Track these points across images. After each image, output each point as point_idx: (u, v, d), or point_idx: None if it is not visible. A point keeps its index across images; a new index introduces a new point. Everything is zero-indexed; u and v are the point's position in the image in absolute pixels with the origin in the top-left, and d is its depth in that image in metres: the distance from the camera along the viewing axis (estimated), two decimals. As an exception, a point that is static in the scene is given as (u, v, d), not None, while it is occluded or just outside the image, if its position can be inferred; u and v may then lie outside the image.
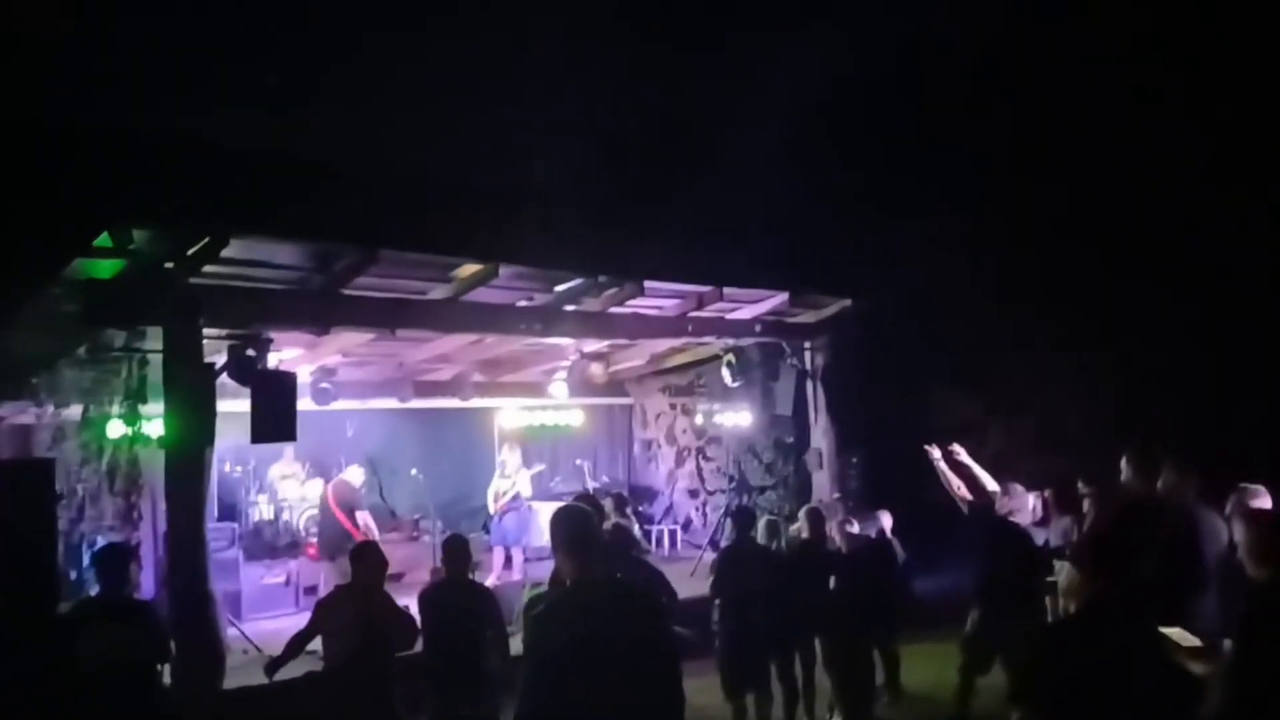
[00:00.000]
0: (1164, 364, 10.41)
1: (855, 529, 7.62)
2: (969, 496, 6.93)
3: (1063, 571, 3.46)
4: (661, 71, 12.21)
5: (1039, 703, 2.46)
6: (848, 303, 10.96)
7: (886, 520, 8.45)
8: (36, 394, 8.59)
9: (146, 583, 8.62)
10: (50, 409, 8.54)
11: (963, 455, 7.05)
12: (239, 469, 12.17)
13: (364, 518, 10.09)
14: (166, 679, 5.46)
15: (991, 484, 6.85)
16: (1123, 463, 5.63)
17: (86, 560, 7.96)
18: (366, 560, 5.54)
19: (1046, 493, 7.14)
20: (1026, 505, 6.67)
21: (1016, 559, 6.45)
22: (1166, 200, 10.62)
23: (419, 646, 5.64)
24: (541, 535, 11.27)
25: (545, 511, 11.61)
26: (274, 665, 5.49)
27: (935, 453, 7.12)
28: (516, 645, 5.34)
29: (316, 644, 7.51)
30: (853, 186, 11.37)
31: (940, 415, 11.24)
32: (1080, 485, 6.84)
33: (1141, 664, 2.55)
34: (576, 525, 3.39)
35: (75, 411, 8.41)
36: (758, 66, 11.91)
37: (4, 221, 7.00)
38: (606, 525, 6.18)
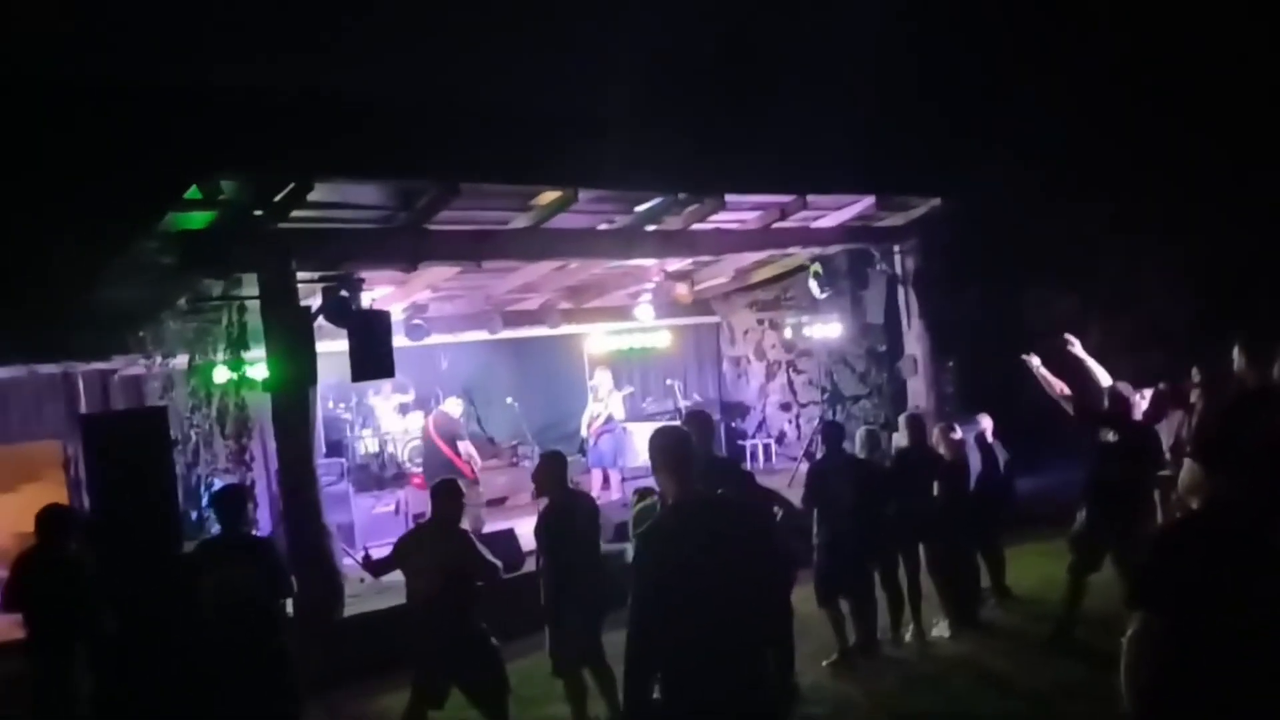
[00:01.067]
0: (1267, 253, 9.87)
1: (958, 434, 7.49)
2: (1072, 395, 6.74)
3: (1184, 469, 3.33)
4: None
5: (1159, 604, 2.38)
6: (937, 202, 10.61)
7: (987, 423, 8.30)
8: (144, 346, 8.95)
9: (263, 520, 8.99)
10: (158, 360, 8.89)
11: (1077, 348, 6.81)
12: (342, 406, 12.52)
13: (465, 447, 10.32)
14: (289, 612, 5.63)
15: (1105, 378, 6.65)
16: (1234, 352, 5.40)
17: (205, 502, 8.34)
18: (443, 497, 5.43)
19: (1160, 386, 6.88)
20: (1134, 401, 6.47)
21: (1125, 455, 6.27)
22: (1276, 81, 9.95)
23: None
24: (637, 456, 11.40)
25: (639, 432, 11.73)
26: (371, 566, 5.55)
27: (1034, 360, 6.92)
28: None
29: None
30: (936, 82, 10.92)
31: (1036, 314, 10.90)
32: (1194, 375, 6.57)
33: (1266, 563, 2.44)
34: (675, 445, 3.39)
35: (182, 361, 8.73)
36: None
37: (100, 179, 7.24)
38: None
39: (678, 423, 3.91)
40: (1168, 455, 6.55)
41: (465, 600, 5.26)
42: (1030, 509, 8.99)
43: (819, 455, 7.07)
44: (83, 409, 9.43)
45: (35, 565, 5.43)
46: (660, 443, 3.41)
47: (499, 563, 5.48)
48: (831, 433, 7.01)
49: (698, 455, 3.51)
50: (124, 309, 8.87)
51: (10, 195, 7.98)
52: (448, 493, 5.44)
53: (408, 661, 5.38)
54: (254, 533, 5.06)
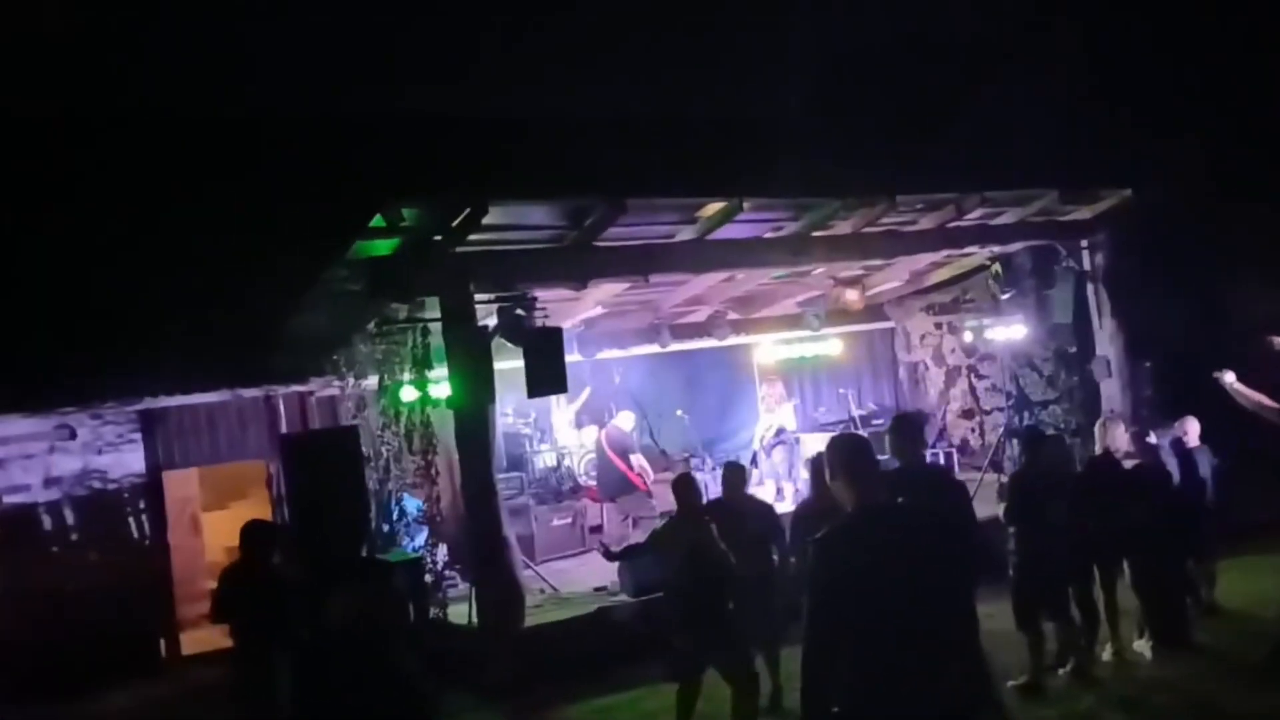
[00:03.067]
0: None
1: (1153, 439, 6.99)
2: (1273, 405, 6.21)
3: None
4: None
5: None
6: (1128, 193, 9.97)
7: (1193, 428, 7.67)
8: (338, 369, 9.49)
9: (447, 534, 9.32)
10: (351, 381, 9.41)
11: None
12: (522, 421, 12.88)
13: (638, 460, 10.42)
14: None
15: None
16: None
17: (395, 515, 8.75)
18: (687, 489, 5.75)
19: None
20: None
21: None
22: None
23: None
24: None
25: (811, 443, 11.52)
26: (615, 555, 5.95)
27: (1229, 377, 6.42)
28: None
29: (606, 579, 7.87)
30: (1126, 64, 10.28)
31: (1242, 311, 10.06)
32: None
33: None
34: (853, 451, 3.33)
35: (373, 382, 9.20)
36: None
37: (292, 211, 7.75)
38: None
39: (854, 432, 3.85)
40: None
41: (720, 590, 5.45)
42: (1246, 519, 8.27)
43: (1020, 464, 6.71)
44: (283, 429, 10.08)
45: (238, 578, 5.77)
46: (835, 450, 3.35)
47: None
48: (1029, 439, 6.67)
49: (875, 462, 3.41)
50: (319, 334, 9.45)
51: (210, 230, 8.65)
52: (686, 485, 5.78)
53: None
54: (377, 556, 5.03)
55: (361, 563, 5.00)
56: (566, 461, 12.62)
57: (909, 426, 5.18)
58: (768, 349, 13.64)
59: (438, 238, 7.46)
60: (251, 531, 5.83)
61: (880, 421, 12.29)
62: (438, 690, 4.95)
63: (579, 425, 12.92)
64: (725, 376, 14.26)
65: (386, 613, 4.76)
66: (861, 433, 10.33)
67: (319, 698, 4.64)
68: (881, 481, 3.37)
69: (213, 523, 11.15)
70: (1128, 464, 6.79)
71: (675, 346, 11.96)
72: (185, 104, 9.07)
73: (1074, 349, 11.33)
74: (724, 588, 5.49)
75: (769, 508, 6.81)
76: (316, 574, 5.68)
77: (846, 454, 3.32)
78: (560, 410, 12.88)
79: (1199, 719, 5.61)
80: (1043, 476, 6.33)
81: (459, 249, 7.59)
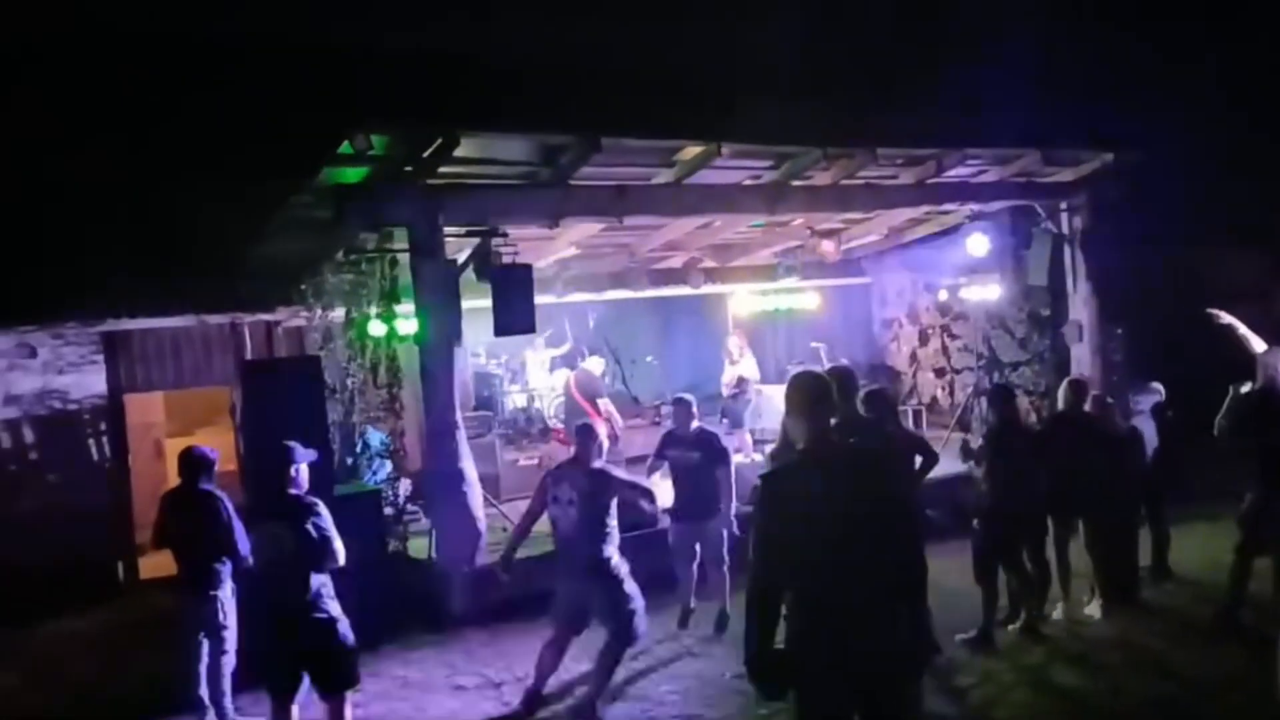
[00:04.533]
0: None
1: (1140, 403, 7.05)
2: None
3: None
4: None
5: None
6: (1109, 157, 9.91)
7: (1159, 394, 7.73)
8: (305, 298, 9.36)
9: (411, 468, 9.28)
10: (318, 311, 9.29)
11: (1225, 318, 6.33)
12: (494, 362, 12.82)
13: (605, 405, 10.39)
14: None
15: (1259, 345, 6.09)
16: None
17: (359, 448, 8.69)
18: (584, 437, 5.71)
19: None
20: None
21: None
22: None
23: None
24: (776, 418, 11.21)
25: (777, 395, 11.53)
26: (506, 557, 5.73)
27: (1226, 316, 6.42)
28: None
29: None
30: (1110, 28, 10.15)
31: (1217, 279, 10.08)
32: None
33: None
34: (809, 389, 3.32)
35: (340, 313, 9.09)
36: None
37: (261, 137, 7.57)
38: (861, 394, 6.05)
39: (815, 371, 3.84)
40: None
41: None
42: (1203, 485, 8.36)
43: (992, 421, 6.73)
44: (248, 357, 9.97)
45: (174, 504, 5.73)
46: (796, 385, 3.35)
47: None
48: (998, 397, 6.68)
49: (832, 402, 3.38)
50: (286, 262, 9.30)
51: (177, 155, 8.46)
52: (579, 433, 5.80)
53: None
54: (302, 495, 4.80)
55: (288, 500, 4.73)
56: (537, 403, 12.60)
57: (841, 379, 5.14)
58: (743, 299, 13.59)
59: (408, 168, 7.32)
60: (189, 458, 5.77)
61: (851, 376, 12.31)
62: (350, 630, 4.80)
63: (552, 369, 12.88)
64: (700, 325, 14.23)
65: (305, 552, 4.64)
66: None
67: (247, 629, 4.60)
68: (830, 422, 3.35)
69: (179, 449, 11.03)
70: (1091, 424, 6.82)
71: (650, 292, 11.89)
72: (154, 24, 8.80)
73: (1047, 311, 11.35)
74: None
75: (714, 435, 7.00)
76: (254, 505, 5.61)
77: (803, 392, 3.31)
78: (535, 352, 12.83)
79: (1146, 676, 5.66)
80: (1012, 434, 6.37)
81: (429, 181, 7.46)
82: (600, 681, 5.55)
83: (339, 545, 4.71)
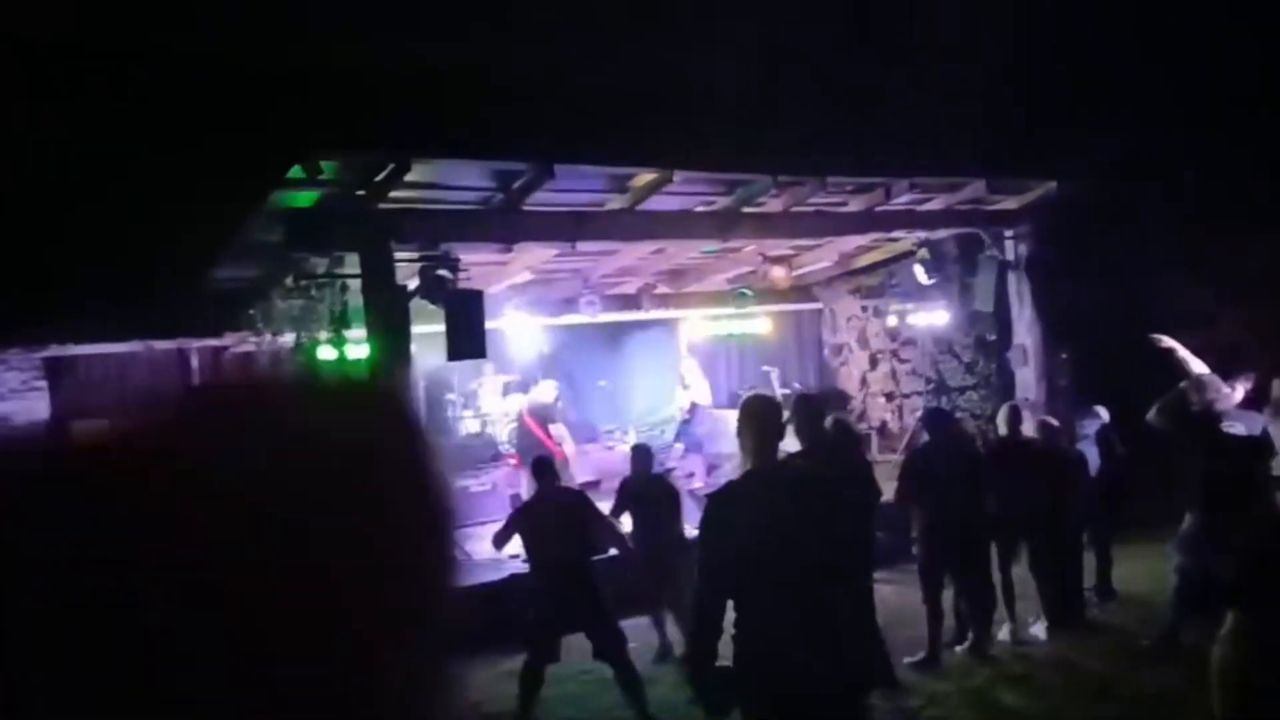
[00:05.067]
0: None
1: (1085, 427, 7.19)
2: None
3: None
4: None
5: (1261, 600, 2.19)
6: (1053, 185, 10.15)
7: (1103, 417, 7.90)
8: (254, 323, 9.25)
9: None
10: (267, 337, 9.18)
11: (1166, 342, 6.48)
12: (446, 389, 12.74)
13: (558, 430, 10.36)
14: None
15: (1198, 368, 6.24)
16: None
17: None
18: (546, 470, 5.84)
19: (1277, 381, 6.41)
20: (1223, 392, 6.01)
21: (1232, 452, 5.85)
22: None
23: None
24: (730, 442, 11.27)
25: (730, 419, 11.59)
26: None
27: (1167, 340, 6.56)
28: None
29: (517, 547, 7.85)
30: (1053, 57, 10.42)
31: (1163, 305, 10.31)
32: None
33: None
34: (758, 413, 3.38)
35: (290, 339, 8.98)
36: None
37: (210, 159, 7.51)
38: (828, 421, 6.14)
39: (765, 394, 3.92)
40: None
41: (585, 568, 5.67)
42: (1146, 507, 8.54)
43: (922, 443, 6.83)
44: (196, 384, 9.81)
45: None
46: (747, 407, 3.43)
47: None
48: (935, 420, 6.77)
49: (779, 424, 3.44)
50: (236, 287, 9.19)
51: (124, 175, 8.35)
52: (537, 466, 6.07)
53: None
54: None
55: None
56: (489, 429, 12.54)
57: (808, 407, 5.20)
58: (696, 324, 13.67)
59: (360, 192, 7.29)
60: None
61: (804, 401, 12.43)
62: None
63: (506, 393, 12.83)
64: (654, 349, 14.29)
65: None
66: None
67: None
68: (778, 444, 3.40)
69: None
70: (1031, 448, 6.95)
71: (604, 317, 11.91)
72: (98, 42, 8.71)
73: (993, 337, 11.55)
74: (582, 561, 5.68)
75: (671, 487, 7.06)
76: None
77: (751, 414, 3.39)
78: (489, 378, 12.78)
79: (1090, 697, 5.75)
80: (942, 455, 6.44)
81: (381, 205, 7.43)
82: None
83: None
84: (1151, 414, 6.09)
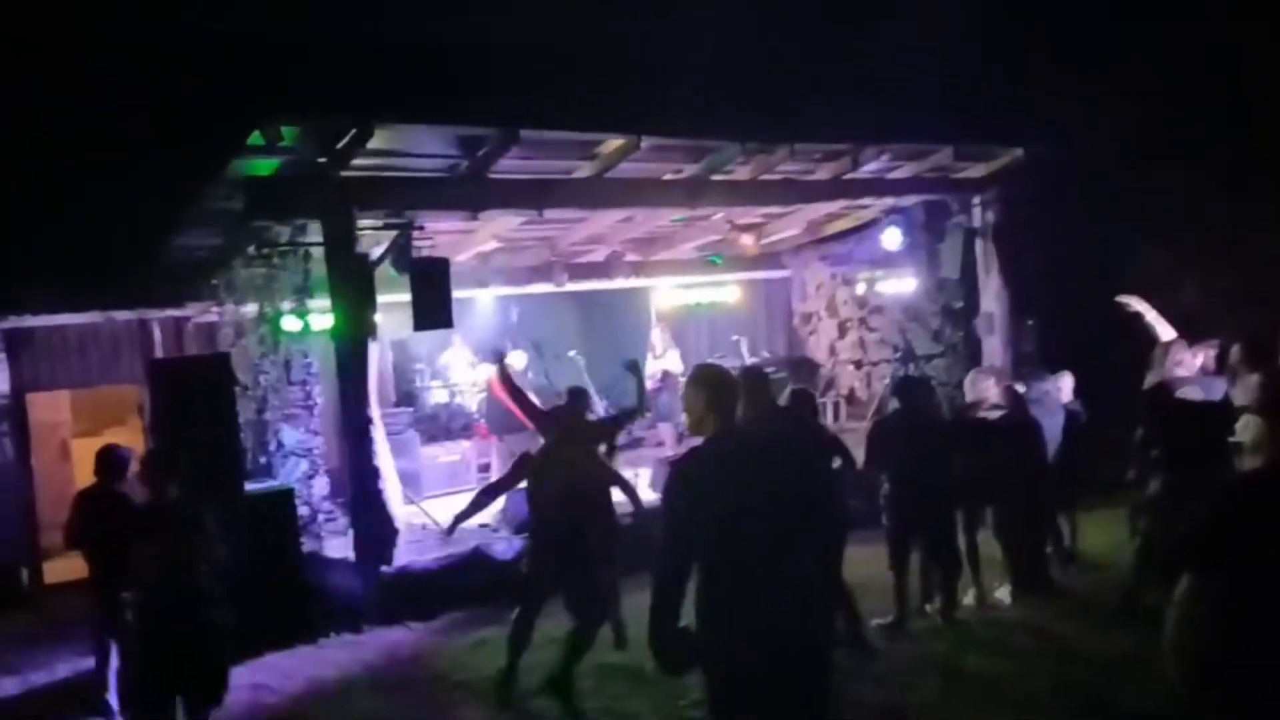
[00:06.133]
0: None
1: (1022, 390, 7.21)
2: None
3: (1246, 427, 3.12)
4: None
5: (1214, 564, 2.21)
6: (1019, 153, 10.18)
7: (1068, 383, 7.94)
8: (217, 294, 9.12)
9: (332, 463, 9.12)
10: (230, 307, 9.06)
11: (1134, 305, 6.52)
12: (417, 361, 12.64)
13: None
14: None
15: (1167, 333, 6.30)
16: None
17: (274, 446, 8.50)
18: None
19: (1237, 347, 6.47)
20: (1188, 359, 6.07)
21: (1194, 417, 5.91)
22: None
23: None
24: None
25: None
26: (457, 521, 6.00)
27: (1136, 302, 6.59)
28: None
29: (489, 518, 7.80)
30: (1020, 23, 10.39)
31: (1125, 270, 10.39)
32: (1281, 338, 6.15)
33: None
34: (716, 382, 3.36)
35: (252, 309, 8.87)
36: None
37: (170, 128, 7.34)
38: (786, 392, 6.18)
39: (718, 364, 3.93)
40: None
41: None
42: (1112, 472, 8.65)
43: (891, 411, 6.84)
44: (158, 355, 9.68)
45: (91, 504, 5.56)
46: (699, 377, 3.40)
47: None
48: (907, 387, 6.78)
49: (736, 392, 3.42)
50: (197, 257, 9.04)
51: (85, 146, 8.16)
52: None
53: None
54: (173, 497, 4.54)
55: (169, 507, 4.49)
56: (458, 398, 12.47)
57: (750, 378, 5.19)
58: (665, 293, 13.63)
59: (322, 160, 7.17)
60: (109, 458, 5.59)
61: (773, 369, 12.44)
62: (229, 638, 4.59)
63: (475, 363, 12.75)
64: (623, 318, 14.22)
65: (194, 557, 4.41)
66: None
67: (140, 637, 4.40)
68: (735, 410, 3.39)
69: (87, 449, 10.67)
70: (996, 415, 6.99)
71: (572, 286, 11.85)
72: (54, 13, 8.47)
73: (960, 304, 11.59)
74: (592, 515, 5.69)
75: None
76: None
77: (709, 383, 3.36)
78: (458, 348, 12.69)
79: (1055, 659, 5.80)
80: (910, 422, 6.48)
81: (344, 173, 7.31)
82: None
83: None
84: (1141, 442, 6.09)
